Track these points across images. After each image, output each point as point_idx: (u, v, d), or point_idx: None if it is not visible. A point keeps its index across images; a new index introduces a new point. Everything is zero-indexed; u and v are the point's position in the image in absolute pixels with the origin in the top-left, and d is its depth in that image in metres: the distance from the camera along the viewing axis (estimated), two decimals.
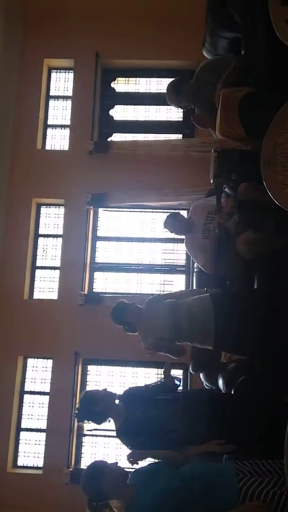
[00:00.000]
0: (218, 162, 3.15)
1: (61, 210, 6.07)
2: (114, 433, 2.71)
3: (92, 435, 5.61)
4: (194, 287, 4.70)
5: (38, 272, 6.05)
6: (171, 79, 3.70)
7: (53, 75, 6.46)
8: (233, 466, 2.16)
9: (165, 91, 3.65)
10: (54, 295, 5.90)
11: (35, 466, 5.57)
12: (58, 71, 6.46)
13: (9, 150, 6.00)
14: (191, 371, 4.44)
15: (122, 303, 3.11)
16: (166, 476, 2.11)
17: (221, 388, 3.51)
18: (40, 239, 6.11)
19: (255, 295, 3.19)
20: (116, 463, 2.18)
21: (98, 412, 2.62)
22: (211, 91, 3.11)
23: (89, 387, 5.67)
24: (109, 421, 2.66)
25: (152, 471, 2.19)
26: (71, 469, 5.25)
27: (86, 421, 2.72)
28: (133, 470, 2.28)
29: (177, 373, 5.53)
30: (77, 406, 2.72)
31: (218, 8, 3.30)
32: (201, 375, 4.20)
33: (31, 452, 5.62)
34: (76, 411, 2.73)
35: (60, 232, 6.03)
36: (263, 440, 2.48)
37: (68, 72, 6.39)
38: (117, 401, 2.70)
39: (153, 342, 2.96)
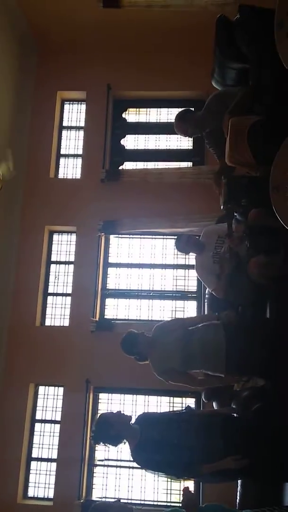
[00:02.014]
0: (228, 188, 3.18)
1: (73, 237, 6.14)
2: (125, 464, 2.72)
3: (103, 465, 5.51)
4: (206, 313, 4.67)
5: (50, 299, 6.07)
6: (180, 109, 3.79)
7: (66, 106, 6.65)
8: None
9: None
10: (65, 322, 5.91)
11: (46, 497, 5.46)
12: (71, 102, 6.65)
13: (23, 178, 6.13)
14: (203, 399, 4.37)
15: (131, 334, 3.11)
16: None
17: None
18: (52, 266, 6.17)
19: (266, 324, 3.17)
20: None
21: (114, 435, 2.65)
22: (220, 120, 3.18)
23: None
24: (125, 443, 2.68)
25: None
26: (82, 501, 5.14)
27: (102, 444, 2.72)
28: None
29: (189, 401, 5.47)
30: (93, 429, 2.75)
31: (226, 40, 3.40)
32: (214, 403, 4.12)
33: (42, 482, 5.52)
34: (92, 434, 2.76)
35: (72, 259, 6.08)
36: (276, 459, 2.45)
37: (81, 104, 6.58)
38: (132, 424, 2.71)
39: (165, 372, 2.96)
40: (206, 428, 2.69)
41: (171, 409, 5.11)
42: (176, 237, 5.92)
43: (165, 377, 3.01)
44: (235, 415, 3.07)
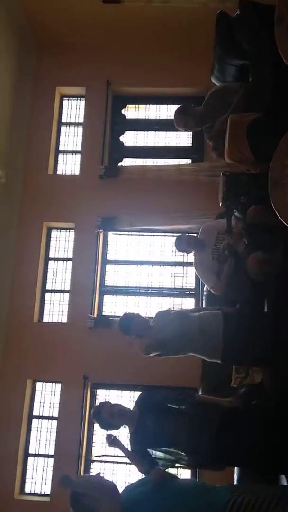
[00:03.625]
0: (227, 185, 3.18)
1: (72, 233, 6.13)
2: (122, 460, 2.75)
3: (100, 461, 5.52)
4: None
5: (48, 295, 6.07)
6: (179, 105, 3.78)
7: (65, 102, 6.63)
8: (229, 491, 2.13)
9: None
10: (63, 318, 5.91)
11: (43, 493, 5.47)
12: (70, 98, 6.63)
13: (21, 174, 6.12)
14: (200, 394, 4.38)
15: (129, 314, 3.11)
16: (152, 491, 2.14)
17: None
18: (50, 263, 6.16)
19: (264, 317, 3.18)
20: (98, 474, 2.23)
21: (115, 424, 2.73)
22: (219, 115, 3.17)
23: None
24: (125, 427, 2.75)
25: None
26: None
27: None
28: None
29: None
30: (92, 416, 2.84)
31: (226, 37, 3.39)
32: None
33: (39, 478, 5.53)
34: (94, 419, 2.85)
35: (70, 255, 6.07)
36: (273, 452, 2.47)
37: (80, 100, 6.56)
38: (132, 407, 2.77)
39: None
40: (200, 426, 2.69)
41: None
42: (175, 235, 5.99)
43: (160, 350, 2.99)
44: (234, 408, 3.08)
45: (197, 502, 2.07)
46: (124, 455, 2.88)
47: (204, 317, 2.99)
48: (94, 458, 5.52)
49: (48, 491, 5.41)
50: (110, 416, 2.71)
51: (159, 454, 2.70)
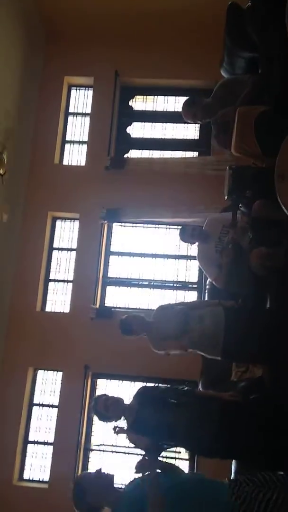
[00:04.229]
0: (233, 179, 3.16)
1: (76, 224, 6.13)
2: (120, 449, 2.77)
3: (99, 450, 5.56)
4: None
5: (51, 285, 6.09)
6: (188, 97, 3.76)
7: (73, 92, 6.60)
8: (228, 486, 2.13)
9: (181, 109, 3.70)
10: (66, 308, 5.93)
11: (41, 480, 5.52)
12: (78, 88, 6.61)
13: (27, 163, 6.11)
14: (200, 389, 4.39)
15: (125, 319, 3.11)
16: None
17: None
18: (54, 252, 6.17)
19: (266, 313, 3.18)
20: (100, 470, 2.21)
21: (111, 416, 2.74)
22: (226, 107, 3.15)
23: None
24: (123, 419, 2.75)
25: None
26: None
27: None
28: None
29: None
30: (92, 409, 2.88)
31: (236, 28, 3.36)
32: None
33: (38, 465, 5.58)
34: (93, 413, 2.88)
35: (74, 246, 6.08)
36: (272, 448, 2.48)
37: (88, 90, 6.53)
38: (131, 400, 2.77)
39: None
40: (200, 417, 2.71)
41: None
42: (179, 227, 5.99)
43: (161, 346, 3.00)
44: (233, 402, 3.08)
45: (203, 494, 2.07)
46: (130, 443, 2.88)
47: (204, 314, 2.99)
48: (93, 447, 5.56)
49: (46, 478, 5.46)
50: (105, 409, 2.73)
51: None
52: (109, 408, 2.72)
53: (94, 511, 2.13)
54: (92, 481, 2.15)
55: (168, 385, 2.99)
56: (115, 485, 2.18)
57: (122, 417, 2.74)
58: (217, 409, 2.72)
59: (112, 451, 5.48)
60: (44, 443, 5.62)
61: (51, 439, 5.56)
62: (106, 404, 2.75)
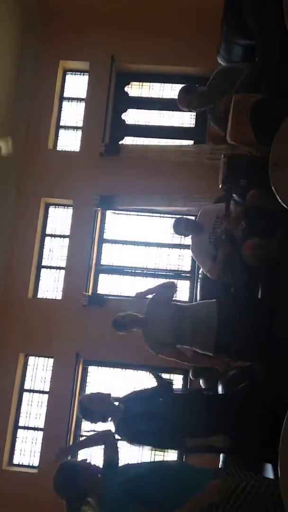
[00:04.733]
0: (227, 167, 3.15)
1: (69, 210, 6.09)
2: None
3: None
4: (198, 293, 4.69)
5: (43, 272, 6.07)
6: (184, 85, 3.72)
7: (68, 77, 6.52)
8: (211, 471, 2.16)
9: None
10: (58, 295, 5.91)
11: (31, 465, 5.55)
12: (73, 73, 6.52)
13: (21, 148, 6.05)
14: (191, 377, 4.42)
15: (118, 318, 3.11)
16: (133, 467, 2.17)
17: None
18: (47, 239, 6.14)
19: (259, 304, 3.18)
20: (85, 459, 2.24)
21: (98, 417, 2.70)
22: (223, 96, 3.12)
23: (88, 388, 5.66)
24: (110, 420, 2.71)
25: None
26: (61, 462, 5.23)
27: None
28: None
29: (177, 378, 5.53)
30: (79, 411, 2.81)
31: (234, 16, 3.33)
32: (201, 381, 4.17)
33: (28, 450, 5.61)
34: (79, 409, 2.83)
35: (67, 232, 6.05)
36: (259, 438, 2.49)
37: (83, 75, 6.45)
38: (116, 403, 2.74)
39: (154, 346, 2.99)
40: (188, 403, 2.73)
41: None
42: (173, 216, 5.98)
43: (156, 350, 3.03)
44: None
45: (187, 478, 2.09)
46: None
47: (197, 311, 2.99)
48: (83, 433, 5.58)
49: (36, 463, 5.50)
50: (89, 401, 2.71)
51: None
52: (92, 401, 2.70)
53: (81, 498, 2.12)
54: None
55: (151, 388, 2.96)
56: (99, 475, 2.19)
57: (109, 419, 2.69)
58: (203, 398, 2.73)
59: None
60: (34, 429, 5.65)
61: (41, 424, 5.58)
62: (90, 397, 2.76)
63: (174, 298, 3.27)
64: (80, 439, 2.69)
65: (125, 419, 2.64)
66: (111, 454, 2.36)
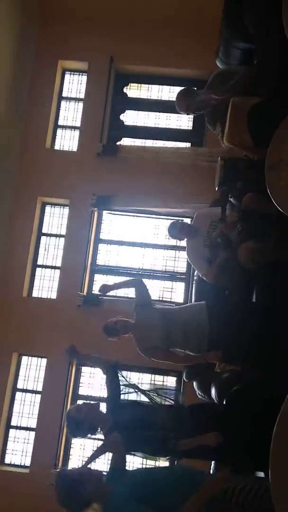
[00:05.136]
0: (224, 170, 3.15)
1: (66, 210, 6.09)
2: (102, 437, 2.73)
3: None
4: (193, 296, 4.70)
5: (38, 271, 6.06)
6: (182, 88, 3.73)
7: (67, 76, 6.51)
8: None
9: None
10: (53, 295, 5.90)
11: (22, 465, 5.53)
12: (72, 73, 6.52)
13: (18, 147, 6.04)
14: (184, 379, 4.42)
15: (109, 323, 3.11)
16: (140, 471, 2.15)
17: (214, 397, 3.50)
18: (43, 238, 6.13)
19: (252, 307, 3.19)
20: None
21: (87, 428, 2.65)
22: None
23: (82, 389, 5.65)
24: (100, 430, 2.68)
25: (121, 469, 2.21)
26: (58, 470, 5.22)
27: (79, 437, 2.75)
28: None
29: (170, 381, 5.53)
30: (66, 426, 2.74)
31: (234, 19, 3.33)
32: (194, 384, 4.18)
33: (19, 450, 5.59)
34: (67, 431, 2.78)
35: (63, 232, 6.04)
36: (251, 445, 2.48)
37: (82, 75, 6.45)
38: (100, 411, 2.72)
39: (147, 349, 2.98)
40: (177, 410, 2.72)
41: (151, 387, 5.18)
42: (169, 218, 5.98)
43: (148, 354, 3.03)
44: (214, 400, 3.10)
45: (182, 481, 2.08)
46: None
47: (187, 313, 2.98)
48: None
49: (27, 463, 5.48)
50: (77, 411, 2.68)
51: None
52: (81, 410, 2.67)
53: (84, 506, 2.06)
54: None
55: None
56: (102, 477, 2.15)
57: (98, 429, 2.66)
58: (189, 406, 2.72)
59: (94, 438, 5.49)
60: (27, 429, 5.63)
61: (33, 424, 5.56)
62: (78, 407, 2.73)
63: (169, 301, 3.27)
64: (91, 453, 2.62)
65: (113, 428, 2.61)
66: (118, 458, 2.32)
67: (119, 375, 2.88)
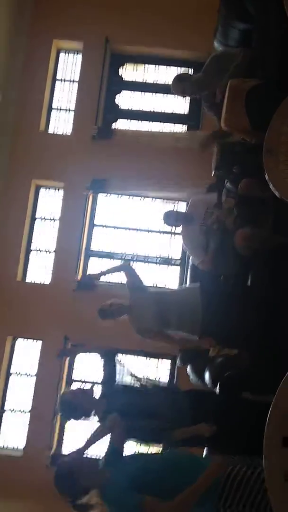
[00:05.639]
0: (221, 154, 3.12)
1: (60, 193, 6.02)
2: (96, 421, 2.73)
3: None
4: (188, 281, 4.69)
5: (32, 255, 6.02)
6: (179, 69, 3.68)
7: (61, 56, 6.38)
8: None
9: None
10: (47, 279, 5.88)
11: (16, 448, 5.57)
12: (67, 53, 6.38)
13: (12, 129, 5.93)
14: (178, 364, 4.43)
15: (103, 307, 3.09)
16: (139, 458, 2.14)
17: (207, 381, 3.51)
18: (37, 222, 6.07)
19: (247, 290, 3.18)
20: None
21: (81, 413, 2.63)
22: (219, 82, 3.08)
23: (75, 373, 5.67)
24: (94, 415, 2.66)
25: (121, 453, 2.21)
26: (52, 453, 5.26)
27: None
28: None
29: (165, 363, 5.57)
30: (59, 410, 2.76)
31: None
32: (188, 368, 4.19)
33: (13, 433, 5.62)
34: (60, 414, 2.77)
35: (58, 215, 5.99)
36: (244, 430, 2.49)
37: (77, 54, 6.31)
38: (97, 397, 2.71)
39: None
40: (172, 395, 2.73)
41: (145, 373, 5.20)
42: (165, 202, 5.95)
43: (144, 335, 3.02)
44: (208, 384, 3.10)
45: (187, 466, 2.06)
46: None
47: (181, 296, 2.98)
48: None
49: (21, 446, 5.51)
50: (72, 395, 2.66)
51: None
52: (76, 396, 2.64)
53: (83, 494, 2.03)
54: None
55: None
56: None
57: (92, 413, 2.63)
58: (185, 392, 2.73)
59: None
60: (21, 412, 5.65)
61: (28, 408, 5.58)
62: (74, 392, 2.71)
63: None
64: (89, 438, 2.60)
65: (109, 413, 2.61)
66: (117, 441, 2.30)
67: (115, 360, 2.87)
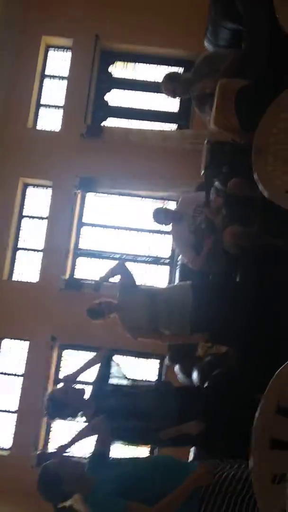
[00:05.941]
0: (210, 154, 3.11)
1: (48, 191, 5.98)
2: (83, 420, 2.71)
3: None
4: (177, 280, 4.68)
5: (19, 254, 5.96)
6: (169, 68, 3.67)
7: (51, 53, 6.33)
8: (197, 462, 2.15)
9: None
10: (34, 278, 5.83)
11: (2, 447, 5.52)
12: (56, 49, 6.33)
13: None
14: (166, 363, 4.43)
15: (92, 307, 3.07)
16: (126, 463, 2.11)
17: (195, 381, 3.51)
18: (25, 220, 6.02)
19: (236, 286, 3.19)
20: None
21: (69, 413, 2.61)
22: (207, 82, 3.07)
23: (63, 372, 5.63)
24: (81, 415, 2.64)
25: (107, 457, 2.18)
26: (38, 452, 5.23)
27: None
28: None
29: (154, 363, 5.56)
30: (46, 408, 2.67)
31: None
32: (176, 367, 4.19)
33: (0, 433, 5.57)
34: (46, 412, 2.70)
35: (46, 214, 5.94)
36: (232, 430, 2.49)
37: (66, 51, 6.27)
38: (85, 397, 2.68)
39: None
40: (161, 395, 2.72)
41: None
42: (154, 201, 5.94)
43: (133, 333, 3.01)
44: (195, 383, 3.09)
45: (174, 471, 2.03)
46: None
47: (170, 293, 2.98)
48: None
49: (7, 446, 5.47)
50: (64, 393, 2.65)
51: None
52: (68, 393, 2.62)
53: (65, 498, 1.99)
54: (63, 468, 1.98)
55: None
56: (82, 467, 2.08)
57: (79, 414, 2.62)
58: (174, 390, 2.72)
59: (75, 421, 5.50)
60: (7, 411, 5.60)
61: (15, 407, 5.53)
62: (65, 389, 2.69)
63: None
64: (75, 435, 2.57)
65: (96, 415, 2.59)
66: (103, 444, 2.26)
67: (111, 364, 2.85)
